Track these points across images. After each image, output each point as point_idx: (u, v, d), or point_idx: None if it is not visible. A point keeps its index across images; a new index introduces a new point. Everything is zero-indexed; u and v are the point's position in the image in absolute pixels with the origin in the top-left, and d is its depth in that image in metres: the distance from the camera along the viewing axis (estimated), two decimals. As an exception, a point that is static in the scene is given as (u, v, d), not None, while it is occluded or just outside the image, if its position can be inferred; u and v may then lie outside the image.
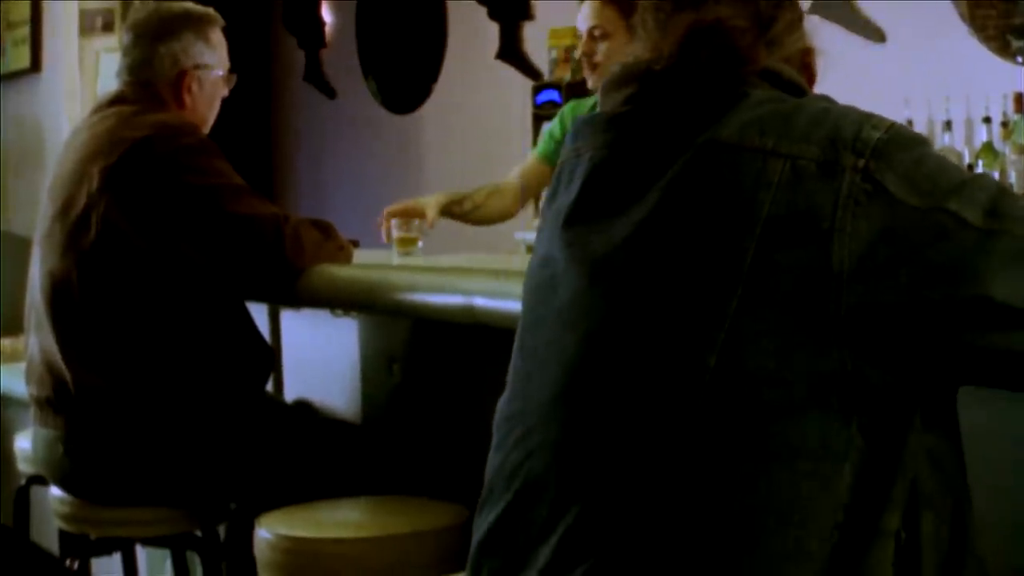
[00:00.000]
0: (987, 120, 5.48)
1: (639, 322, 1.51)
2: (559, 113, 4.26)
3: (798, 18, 1.72)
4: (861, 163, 1.46)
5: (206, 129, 3.43)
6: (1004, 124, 5.45)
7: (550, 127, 4.25)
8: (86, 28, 6.59)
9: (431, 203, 3.99)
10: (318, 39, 9.15)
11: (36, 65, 6.83)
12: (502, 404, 1.69)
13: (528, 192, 4.29)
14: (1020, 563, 1.86)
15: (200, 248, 3.15)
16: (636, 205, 1.55)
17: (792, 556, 1.42)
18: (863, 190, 1.45)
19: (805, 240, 1.45)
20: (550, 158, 4.16)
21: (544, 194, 4.13)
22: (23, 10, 6.96)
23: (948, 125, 5.56)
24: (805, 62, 1.72)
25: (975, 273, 1.41)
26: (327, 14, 9.24)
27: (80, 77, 6.56)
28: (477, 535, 1.65)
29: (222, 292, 3.25)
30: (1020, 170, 5.24)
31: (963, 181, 1.47)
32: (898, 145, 1.48)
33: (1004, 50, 5.64)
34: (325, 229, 3.32)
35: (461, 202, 4.13)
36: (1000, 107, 5.48)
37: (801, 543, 1.42)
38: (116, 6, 6.76)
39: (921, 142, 1.51)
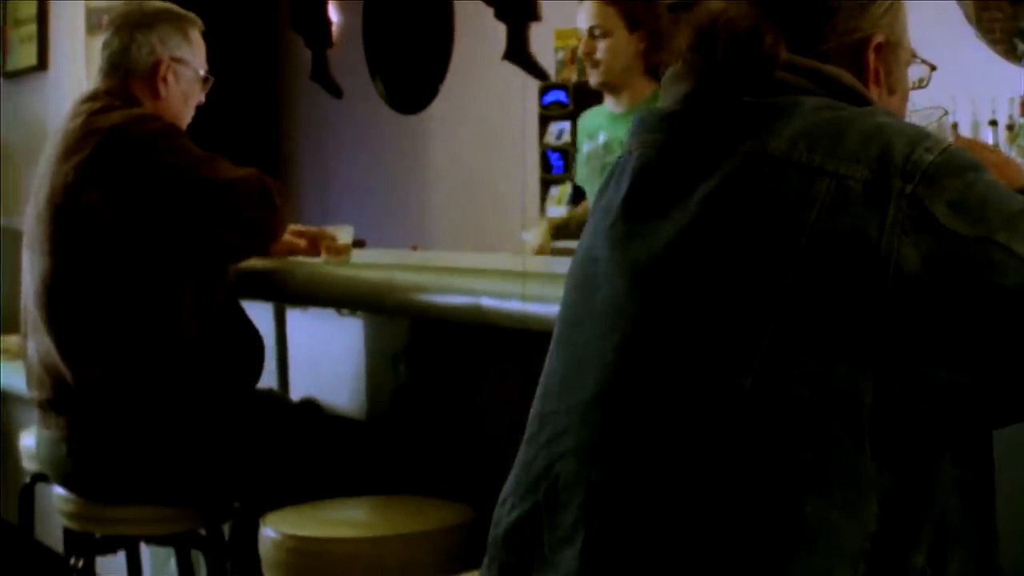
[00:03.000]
0: (993, 123, 5.48)
1: (676, 334, 1.48)
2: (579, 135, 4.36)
3: (874, 3, 1.63)
4: (909, 188, 1.42)
5: (180, 126, 3.44)
6: (1010, 127, 5.45)
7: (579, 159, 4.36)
8: (93, 26, 6.59)
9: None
10: (325, 39, 9.16)
11: (43, 63, 6.83)
12: (536, 399, 1.66)
13: None
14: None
15: (189, 222, 3.16)
16: (680, 210, 1.52)
17: None
18: (910, 216, 1.40)
19: (848, 264, 1.41)
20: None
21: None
22: (30, 8, 6.96)
23: (954, 128, 5.56)
24: (858, 55, 1.62)
25: (1022, 310, 1.38)
26: (334, 14, 9.24)
27: (87, 75, 6.56)
28: (498, 528, 1.63)
29: (213, 279, 3.26)
30: (1026, 173, 5.23)
31: (1015, 212, 1.42)
32: (949, 170, 1.43)
33: (1010, 53, 5.65)
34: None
35: (567, 224, 4.20)
36: (1006, 110, 5.48)
37: (828, 570, 1.40)
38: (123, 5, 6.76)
39: (974, 167, 1.45)
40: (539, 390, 1.66)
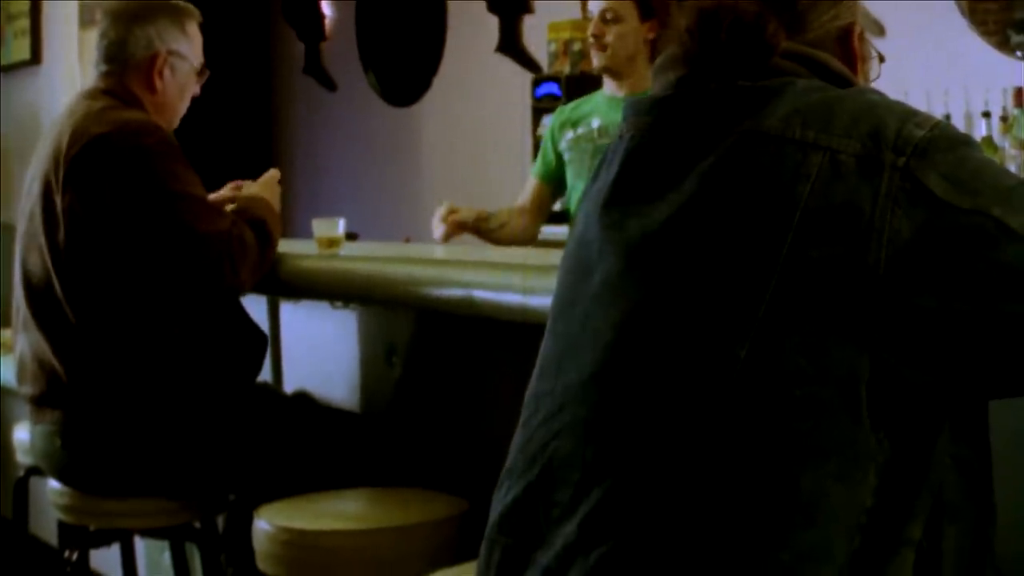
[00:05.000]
0: (987, 115, 5.47)
1: (673, 309, 1.50)
2: (548, 130, 4.35)
3: None
4: (901, 161, 1.44)
5: (175, 120, 3.42)
6: (1004, 119, 5.45)
7: (543, 147, 4.37)
8: (86, 20, 6.59)
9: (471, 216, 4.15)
10: (318, 32, 9.15)
11: (36, 57, 6.84)
12: (531, 382, 1.67)
13: (542, 214, 4.41)
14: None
15: (148, 248, 3.12)
16: (674, 191, 1.54)
17: (814, 555, 1.41)
18: (903, 189, 1.42)
19: (842, 236, 1.42)
20: (550, 178, 4.33)
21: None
22: (23, 3, 6.96)
23: (947, 119, 5.55)
24: (845, 42, 1.67)
25: (1016, 286, 1.39)
26: (327, 7, 9.23)
27: (80, 69, 6.56)
28: (495, 513, 1.64)
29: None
30: (1020, 165, 5.24)
31: (1010, 187, 1.43)
32: (940, 145, 1.45)
33: (1004, 45, 5.64)
34: (263, 236, 3.29)
35: (487, 219, 4.25)
36: (1000, 102, 5.47)
37: (825, 543, 1.41)
38: (116, -2, 6.75)
39: (966, 142, 1.48)
40: (534, 373, 1.68)
